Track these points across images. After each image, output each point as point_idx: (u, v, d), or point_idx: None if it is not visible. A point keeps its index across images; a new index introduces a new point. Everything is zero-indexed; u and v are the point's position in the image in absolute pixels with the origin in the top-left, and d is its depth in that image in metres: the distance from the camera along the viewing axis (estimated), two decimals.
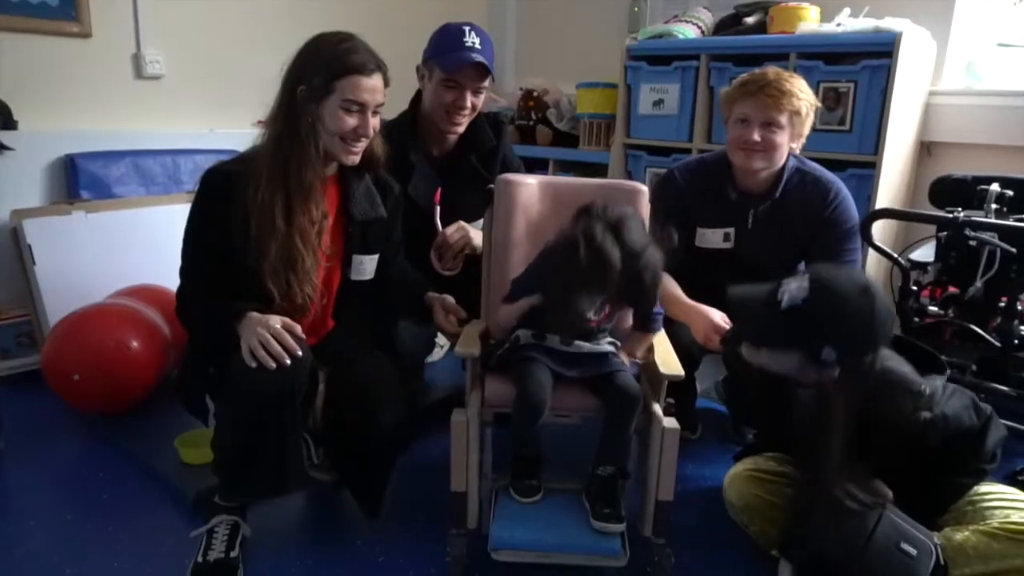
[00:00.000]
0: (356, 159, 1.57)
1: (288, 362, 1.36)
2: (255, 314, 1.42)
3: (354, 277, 1.67)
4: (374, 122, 1.54)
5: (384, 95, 1.54)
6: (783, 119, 1.76)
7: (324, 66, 1.48)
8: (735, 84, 1.85)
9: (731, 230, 1.91)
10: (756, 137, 1.77)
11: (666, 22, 2.98)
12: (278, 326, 1.39)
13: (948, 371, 1.45)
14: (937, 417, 1.35)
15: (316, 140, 1.50)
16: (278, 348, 1.36)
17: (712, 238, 1.93)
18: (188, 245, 1.55)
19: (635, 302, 1.57)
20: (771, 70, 1.79)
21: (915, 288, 2.06)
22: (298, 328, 1.42)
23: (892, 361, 1.36)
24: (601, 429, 1.51)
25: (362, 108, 1.50)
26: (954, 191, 2.10)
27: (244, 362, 1.36)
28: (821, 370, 1.30)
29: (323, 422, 1.63)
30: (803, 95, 1.77)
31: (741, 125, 1.80)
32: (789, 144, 1.82)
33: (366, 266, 1.68)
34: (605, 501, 1.47)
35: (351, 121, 1.50)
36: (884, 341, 1.32)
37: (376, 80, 1.51)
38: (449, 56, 1.88)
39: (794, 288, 1.29)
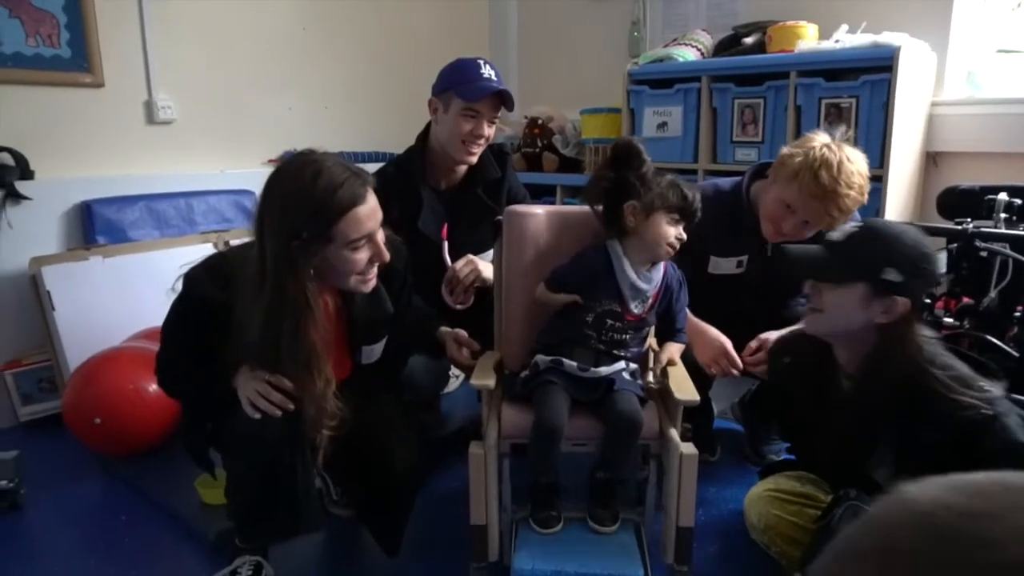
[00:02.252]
0: (374, 283, 1.46)
1: (292, 407, 1.35)
2: (245, 368, 1.39)
3: (364, 362, 1.61)
4: (382, 238, 1.41)
5: (379, 207, 1.40)
6: (823, 226, 1.71)
7: (314, 214, 1.30)
8: (808, 166, 1.65)
9: (744, 257, 1.92)
10: (790, 229, 1.74)
11: (666, 46, 3.02)
12: (273, 377, 1.36)
13: (1004, 381, 1.42)
14: (996, 418, 1.33)
15: (324, 297, 1.41)
16: (278, 396, 1.34)
17: (725, 266, 1.93)
18: (167, 340, 1.49)
19: (667, 310, 1.64)
20: (845, 180, 1.63)
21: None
22: (288, 384, 1.37)
23: (950, 359, 1.39)
24: (601, 445, 1.52)
25: (369, 238, 1.38)
26: (962, 202, 2.09)
27: (246, 415, 1.34)
28: (887, 300, 1.32)
29: (332, 461, 1.59)
30: (853, 201, 1.66)
31: (784, 208, 1.72)
32: None
33: (375, 351, 1.61)
34: (601, 503, 1.56)
35: (364, 256, 1.38)
36: (939, 273, 1.38)
37: (372, 200, 1.37)
38: (469, 87, 1.91)
39: (847, 226, 1.41)
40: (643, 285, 1.55)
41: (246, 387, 1.37)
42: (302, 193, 1.30)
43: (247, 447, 1.39)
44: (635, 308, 1.55)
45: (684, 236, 1.54)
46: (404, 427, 1.61)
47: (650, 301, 1.58)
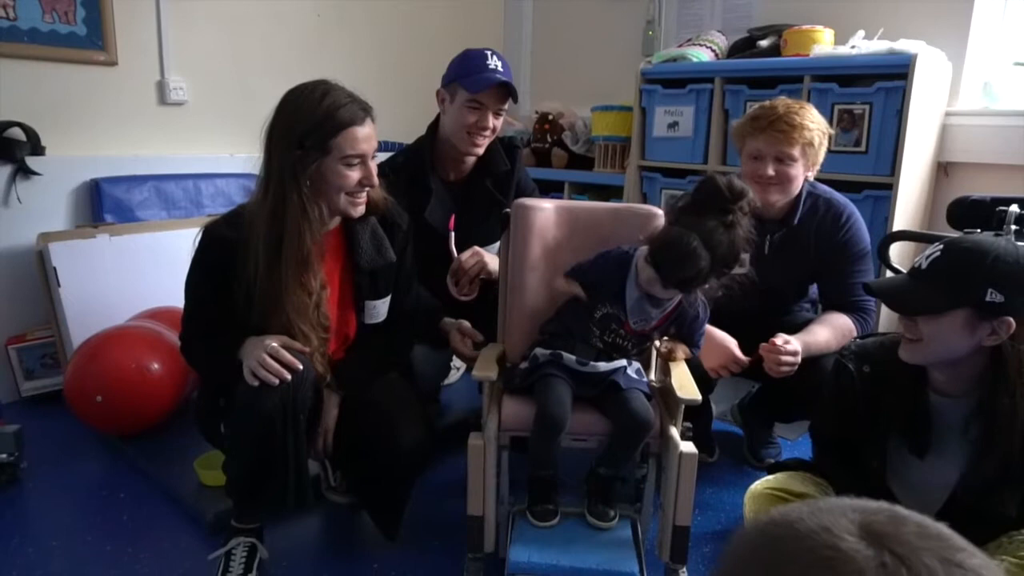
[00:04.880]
0: (363, 209, 1.56)
1: (288, 377, 1.40)
2: (253, 337, 1.45)
3: (368, 321, 1.67)
4: (375, 168, 1.53)
5: (376, 137, 1.53)
6: (796, 152, 1.77)
7: (315, 127, 1.44)
8: (745, 118, 1.86)
9: (746, 256, 1.91)
10: (770, 172, 1.78)
11: (680, 46, 3.01)
12: (275, 344, 1.42)
13: None
14: None
15: (319, 203, 1.49)
16: (276, 365, 1.40)
17: None
18: (189, 297, 1.56)
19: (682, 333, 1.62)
20: (780, 103, 1.80)
21: None
22: (296, 344, 1.46)
23: None
24: (607, 442, 1.51)
25: (362, 159, 1.49)
26: (972, 212, 2.08)
27: (248, 385, 1.40)
28: (994, 322, 1.22)
29: (333, 445, 1.62)
30: (814, 125, 1.77)
31: (754, 161, 1.81)
32: (804, 174, 1.83)
33: (379, 309, 1.68)
34: (600, 499, 1.55)
35: (355, 175, 1.49)
36: None
37: (369, 127, 1.50)
38: (474, 78, 1.91)
39: (928, 252, 1.29)
40: (649, 308, 1.53)
41: (250, 356, 1.42)
42: (309, 107, 1.45)
43: (243, 416, 1.42)
44: (634, 323, 1.53)
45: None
46: (413, 405, 1.64)
47: (653, 323, 1.56)
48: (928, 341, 1.28)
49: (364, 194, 1.54)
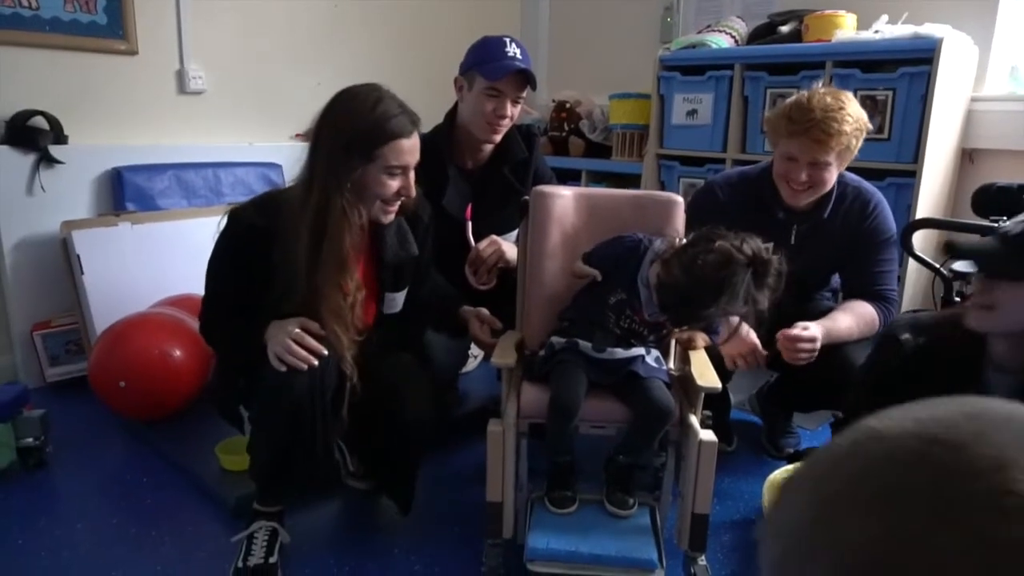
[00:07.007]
0: (392, 217, 1.58)
1: (316, 362, 1.41)
2: (275, 321, 1.47)
3: (386, 312, 1.70)
4: (414, 177, 1.55)
5: (419, 148, 1.54)
6: (831, 158, 1.71)
7: (364, 133, 1.46)
8: (782, 114, 1.75)
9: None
10: (804, 177, 1.73)
11: (699, 32, 2.98)
12: (298, 330, 1.43)
13: None
14: None
15: (358, 207, 1.50)
16: (302, 352, 1.41)
17: None
18: (211, 280, 1.57)
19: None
20: (818, 103, 1.68)
21: (958, 299, 2.01)
22: (315, 326, 1.46)
23: None
24: (626, 431, 1.51)
25: (404, 170, 1.51)
26: (998, 200, 2.04)
27: (273, 369, 1.41)
28: None
29: (348, 420, 1.62)
30: (851, 128, 1.68)
31: (788, 162, 1.75)
32: (837, 172, 1.78)
33: (397, 300, 1.71)
34: (619, 487, 1.55)
35: (395, 184, 1.51)
36: None
37: (415, 139, 1.52)
38: (492, 65, 1.90)
39: (1021, 217, 1.25)
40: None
41: (274, 341, 1.43)
42: (361, 112, 1.47)
43: (272, 398, 1.44)
44: (648, 313, 1.52)
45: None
46: (418, 377, 1.66)
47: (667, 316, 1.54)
48: (1002, 309, 1.24)
49: (399, 203, 1.55)
